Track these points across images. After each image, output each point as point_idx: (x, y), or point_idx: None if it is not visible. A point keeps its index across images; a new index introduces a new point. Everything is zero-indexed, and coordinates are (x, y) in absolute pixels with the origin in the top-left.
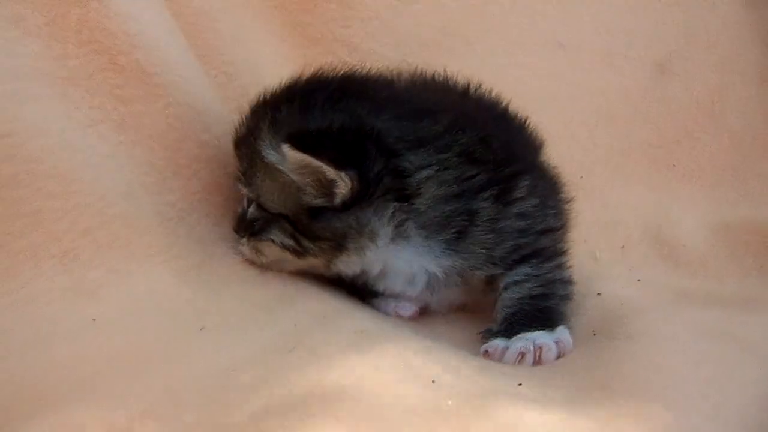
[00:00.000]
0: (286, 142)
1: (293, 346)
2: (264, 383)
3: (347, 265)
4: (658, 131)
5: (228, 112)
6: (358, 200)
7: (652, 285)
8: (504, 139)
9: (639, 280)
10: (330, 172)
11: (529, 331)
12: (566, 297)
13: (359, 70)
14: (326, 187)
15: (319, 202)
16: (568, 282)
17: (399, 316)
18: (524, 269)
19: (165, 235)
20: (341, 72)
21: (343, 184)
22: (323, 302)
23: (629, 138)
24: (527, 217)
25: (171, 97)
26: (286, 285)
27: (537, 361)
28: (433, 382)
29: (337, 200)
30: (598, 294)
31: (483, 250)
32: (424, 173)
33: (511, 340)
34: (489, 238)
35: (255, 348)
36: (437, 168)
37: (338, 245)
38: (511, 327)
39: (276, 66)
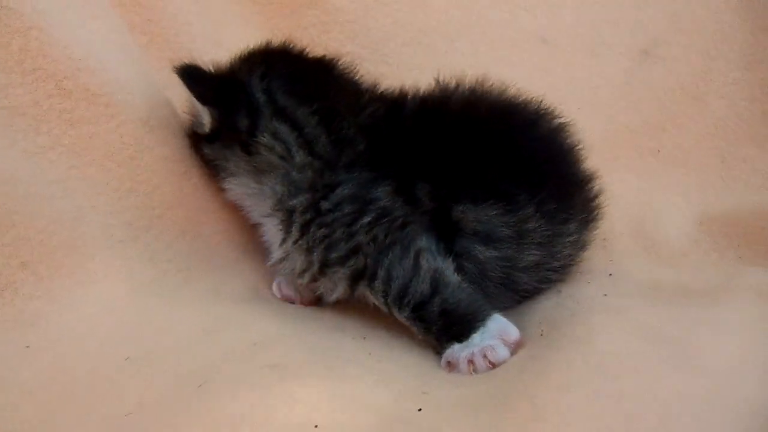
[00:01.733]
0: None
1: (203, 380)
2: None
3: (233, 194)
4: (642, 117)
5: None
6: (217, 136)
7: (622, 280)
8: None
9: (610, 275)
10: (196, 103)
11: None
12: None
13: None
14: (198, 117)
15: (197, 128)
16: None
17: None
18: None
19: (114, 258)
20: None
21: (205, 116)
22: (247, 331)
23: (612, 125)
24: (329, 227)
25: (123, 116)
26: (225, 309)
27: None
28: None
29: (205, 129)
30: (559, 291)
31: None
32: (266, 139)
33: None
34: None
35: (167, 382)
36: (277, 141)
37: (213, 171)
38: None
39: None
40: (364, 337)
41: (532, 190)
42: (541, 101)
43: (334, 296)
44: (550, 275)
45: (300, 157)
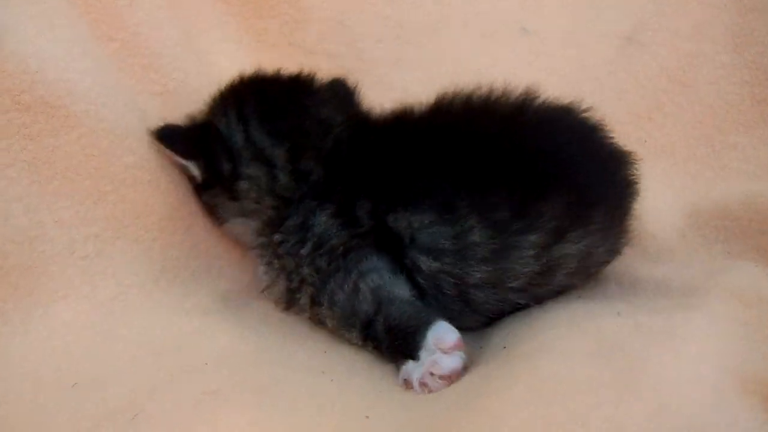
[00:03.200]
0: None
1: (138, 411)
2: None
3: (230, 236)
4: (627, 106)
5: (180, 120)
6: (210, 184)
7: (601, 279)
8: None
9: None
10: (179, 159)
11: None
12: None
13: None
14: (187, 170)
15: (193, 178)
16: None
17: None
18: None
19: (75, 275)
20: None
21: (194, 169)
22: (201, 350)
23: (596, 115)
24: (283, 259)
25: (85, 127)
26: (186, 325)
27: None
28: None
29: (197, 180)
30: None
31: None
32: (245, 185)
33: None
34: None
35: (102, 413)
36: (252, 186)
37: (213, 216)
38: None
39: (232, 71)
40: (325, 351)
41: (474, 196)
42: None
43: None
44: (513, 296)
45: (268, 199)
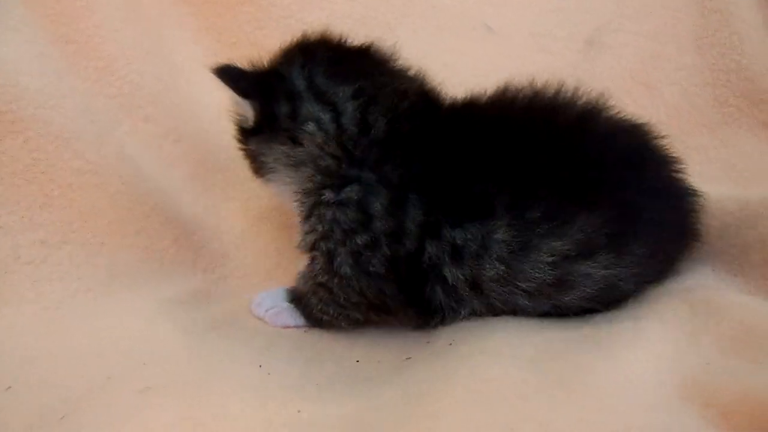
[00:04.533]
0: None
1: (68, 411)
2: None
3: (275, 191)
4: None
5: (135, 122)
6: (261, 129)
7: None
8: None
9: None
10: (236, 97)
11: None
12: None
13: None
14: (242, 112)
15: (243, 124)
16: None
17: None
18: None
19: (20, 281)
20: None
21: (248, 110)
22: (127, 355)
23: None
24: (334, 222)
25: (31, 131)
26: (130, 327)
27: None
28: None
29: (249, 123)
30: None
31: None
32: (309, 127)
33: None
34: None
35: (33, 413)
36: (318, 129)
37: (254, 166)
38: None
39: (192, 71)
40: (269, 348)
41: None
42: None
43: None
44: (521, 299)
45: (332, 145)
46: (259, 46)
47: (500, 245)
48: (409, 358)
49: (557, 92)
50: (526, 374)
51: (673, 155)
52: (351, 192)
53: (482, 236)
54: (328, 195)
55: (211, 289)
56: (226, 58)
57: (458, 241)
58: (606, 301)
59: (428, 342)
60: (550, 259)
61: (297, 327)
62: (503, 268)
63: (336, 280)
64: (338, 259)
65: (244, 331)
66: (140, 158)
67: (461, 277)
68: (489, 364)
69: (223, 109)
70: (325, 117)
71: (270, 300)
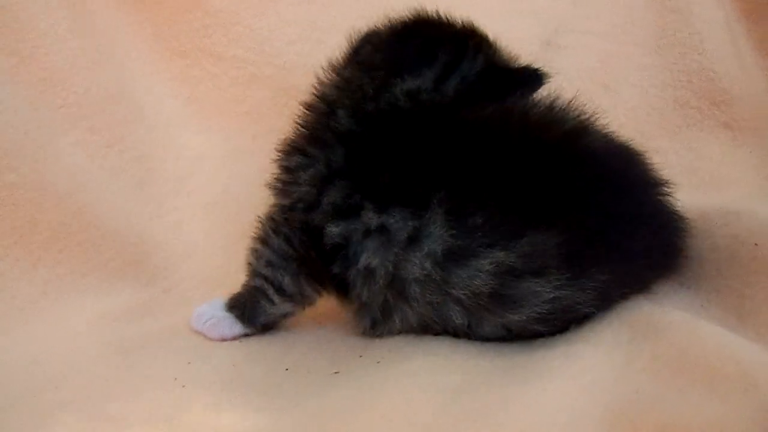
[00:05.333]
0: None
1: None
2: None
3: None
4: None
5: (82, 133)
6: None
7: None
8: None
9: None
10: None
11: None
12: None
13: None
14: None
15: None
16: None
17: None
18: None
19: None
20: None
21: None
22: (51, 368)
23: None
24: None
25: None
26: (46, 344)
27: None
28: None
29: None
30: None
31: None
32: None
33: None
34: None
35: None
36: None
37: None
38: None
39: (142, 79)
40: (189, 362)
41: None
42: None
43: None
44: (452, 310)
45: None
46: (207, 53)
47: (433, 242)
48: (338, 372)
49: (551, 106)
50: (449, 404)
51: (661, 177)
52: (295, 159)
53: (413, 227)
54: (286, 159)
55: (154, 303)
56: (177, 65)
57: (377, 224)
58: (563, 324)
59: (361, 356)
60: (490, 268)
61: (234, 337)
62: (432, 267)
63: (271, 226)
64: (275, 211)
65: (176, 347)
66: (84, 169)
67: (379, 265)
68: (412, 389)
69: (174, 117)
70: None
71: (208, 312)
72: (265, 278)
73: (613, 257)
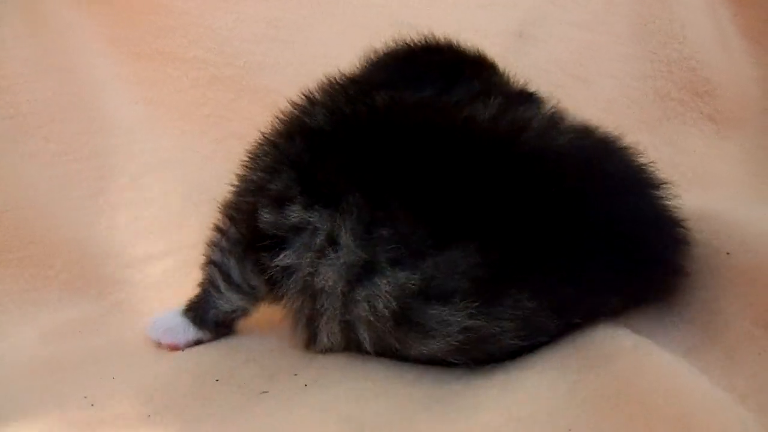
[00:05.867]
0: None
1: None
2: None
3: None
4: None
5: (36, 142)
6: None
7: None
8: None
9: None
10: None
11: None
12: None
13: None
14: None
15: None
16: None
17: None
18: None
19: None
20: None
21: None
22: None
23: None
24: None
25: None
26: None
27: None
28: None
29: None
30: None
31: None
32: None
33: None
34: None
35: None
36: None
37: None
38: None
39: (101, 85)
40: (112, 377)
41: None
42: None
43: None
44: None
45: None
46: (166, 55)
47: (341, 250)
48: (266, 392)
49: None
50: None
51: (657, 180)
52: (262, 148)
53: (328, 231)
54: (256, 148)
55: (105, 316)
56: (135, 68)
57: (298, 221)
58: (485, 356)
59: (296, 374)
60: (389, 289)
61: (188, 343)
62: (336, 280)
63: (226, 213)
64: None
65: (107, 362)
66: (36, 179)
67: (297, 266)
68: (321, 425)
69: (133, 121)
70: None
71: (163, 319)
72: (214, 263)
73: (548, 280)
